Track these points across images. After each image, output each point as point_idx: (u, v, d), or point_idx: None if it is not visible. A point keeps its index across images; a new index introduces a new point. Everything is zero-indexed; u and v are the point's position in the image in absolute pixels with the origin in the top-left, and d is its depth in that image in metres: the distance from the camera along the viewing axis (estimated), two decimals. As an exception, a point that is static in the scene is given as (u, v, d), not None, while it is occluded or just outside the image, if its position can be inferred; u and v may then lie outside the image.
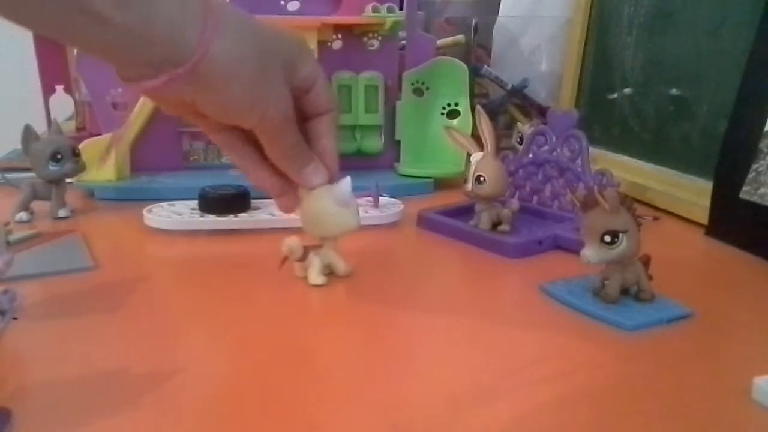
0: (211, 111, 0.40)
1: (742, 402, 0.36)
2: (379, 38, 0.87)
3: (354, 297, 0.52)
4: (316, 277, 0.52)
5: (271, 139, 0.43)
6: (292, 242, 0.52)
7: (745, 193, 0.60)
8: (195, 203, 0.68)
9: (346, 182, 0.48)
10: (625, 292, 0.48)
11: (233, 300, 0.50)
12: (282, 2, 0.83)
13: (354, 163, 0.80)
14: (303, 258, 0.52)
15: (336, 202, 0.49)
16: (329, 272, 0.54)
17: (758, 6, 0.64)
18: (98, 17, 0.31)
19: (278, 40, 0.41)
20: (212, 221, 0.66)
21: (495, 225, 0.63)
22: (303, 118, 0.46)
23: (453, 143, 0.66)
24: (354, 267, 0.55)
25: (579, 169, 0.66)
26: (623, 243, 0.45)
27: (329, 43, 0.86)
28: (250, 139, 0.44)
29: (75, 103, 1.03)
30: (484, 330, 0.46)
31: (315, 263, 0.52)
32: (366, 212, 0.68)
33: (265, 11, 0.79)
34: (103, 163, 0.78)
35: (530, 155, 0.71)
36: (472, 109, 0.82)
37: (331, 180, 0.48)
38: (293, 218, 0.68)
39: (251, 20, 0.39)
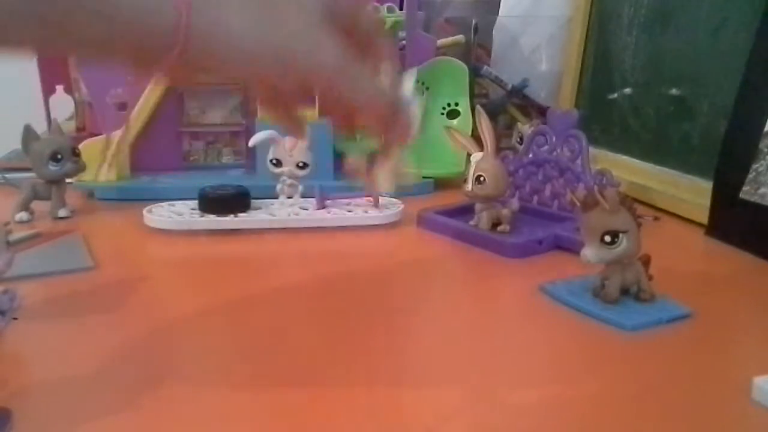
0: (240, 78, 0.36)
1: (742, 402, 0.36)
2: (379, 38, 0.87)
3: (354, 297, 0.52)
4: (386, 180, 0.42)
5: (337, 96, 0.36)
6: (354, 152, 0.44)
7: (745, 193, 0.60)
8: (195, 203, 0.68)
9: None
10: (625, 292, 0.48)
11: (233, 300, 0.50)
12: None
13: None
14: (371, 165, 0.43)
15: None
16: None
17: (758, 6, 0.64)
18: (98, 15, 0.31)
19: None
20: (212, 221, 0.66)
21: (495, 225, 0.63)
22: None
23: (453, 143, 0.66)
24: (353, 266, 0.55)
25: (579, 169, 0.66)
26: (623, 243, 0.45)
27: (329, 43, 0.85)
28: None
29: (75, 103, 1.03)
30: (484, 330, 0.46)
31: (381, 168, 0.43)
32: (366, 212, 0.68)
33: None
34: (104, 166, 0.78)
35: (530, 155, 0.71)
36: (472, 109, 0.82)
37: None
38: (293, 219, 0.68)
39: None
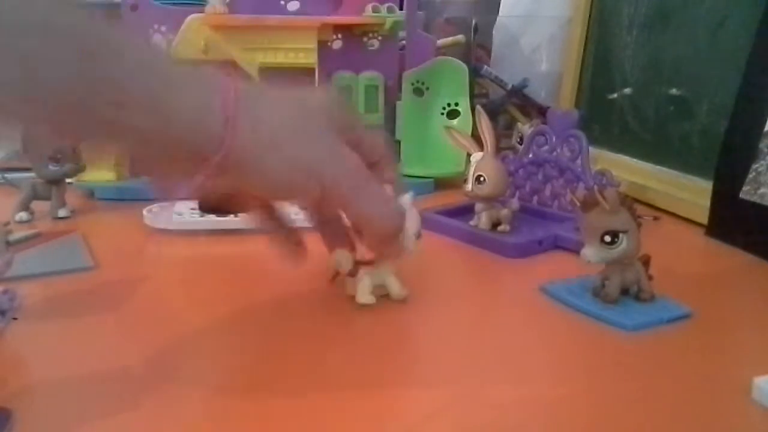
0: (263, 193, 0.36)
1: (742, 402, 0.36)
2: (379, 38, 0.87)
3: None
4: (362, 295, 0.47)
5: (347, 206, 0.37)
6: (341, 255, 0.46)
7: (745, 193, 0.60)
8: (195, 203, 0.68)
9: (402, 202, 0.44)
10: (625, 292, 0.48)
11: (233, 300, 0.50)
12: (282, 2, 0.83)
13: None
14: (353, 273, 0.47)
15: None
16: (383, 294, 0.48)
17: (758, 6, 0.64)
18: (111, 123, 0.30)
19: (308, 95, 0.37)
20: (212, 221, 0.66)
21: (495, 225, 0.63)
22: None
23: (453, 143, 0.66)
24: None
25: (579, 169, 0.66)
26: (623, 243, 0.45)
27: (329, 43, 0.86)
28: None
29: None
30: (484, 330, 0.46)
31: (365, 281, 0.47)
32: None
33: (265, 11, 0.79)
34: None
35: (530, 155, 0.71)
36: (472, 109, 0.82)
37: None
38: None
39: (272, 90, 0.36)
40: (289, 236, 0.44)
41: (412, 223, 0.43)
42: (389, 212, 0.39)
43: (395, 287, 0.49)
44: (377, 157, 0.40)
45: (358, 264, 0.47)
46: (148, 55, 0.32)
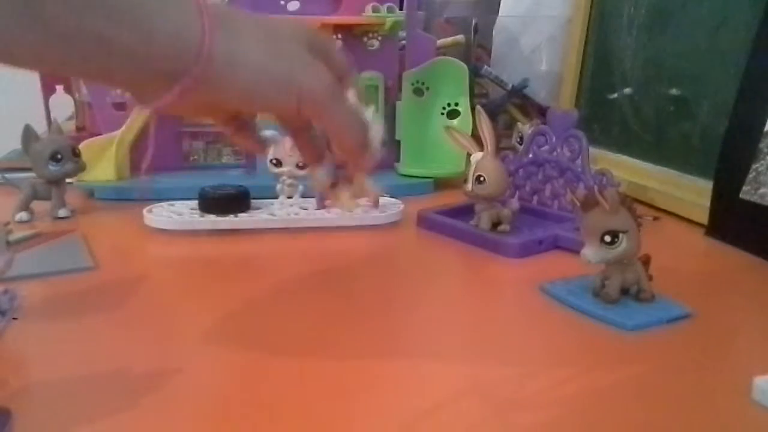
0: (241, 105, 0.39)
1: (742, 402, 0.36)
2: (379, 38, 0.87)
3: (354, 297, 0.52)
4: (346, 201, 0.48)
5: (321, 115, 0.40)
6: (320, 173, 0.48)
7: (745, 193, 0.60)
8: (195, 203, 0.68)
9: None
10: (625, 292, 0.48)
11: (233, 299, 0.50)
12: (282, 2, 0.83)
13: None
14: (335, 185, 0.48)
15: None
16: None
17: (758, 6, 0.64)
18: (100, 40, 0.31)
19: (278, 20, 0.40)
20: (212, 221, 0.66)
21: (495, 225, 0.63)
22: None
23: (453, 143, 0.66)
24: (354, 266, 0.55)
25: (579, 169, 0.66)
26: (623, 243, 0.45)
27: (329, 43, 0.86)
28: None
29: (75, 103, 1.03)
30: (484, 330, 0.46)
31: (346, 190, 0.48)
32: (366, 212, 0.68)
33: (265, 11, 0.79)
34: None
35: (530, 155, 0.71)
36: (472, 109, 0.82)
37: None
38: (293, 218, 0.68)
39: (245, 12, 0.39)
40: (255, 141, 0.46)
41: (376, 133, 0.45)
42: (358, 123, 0.42)
43: (373, 192, 0.50)
44: (342, 72, 0.42)
45: (337, 175, 0.48)
46: None
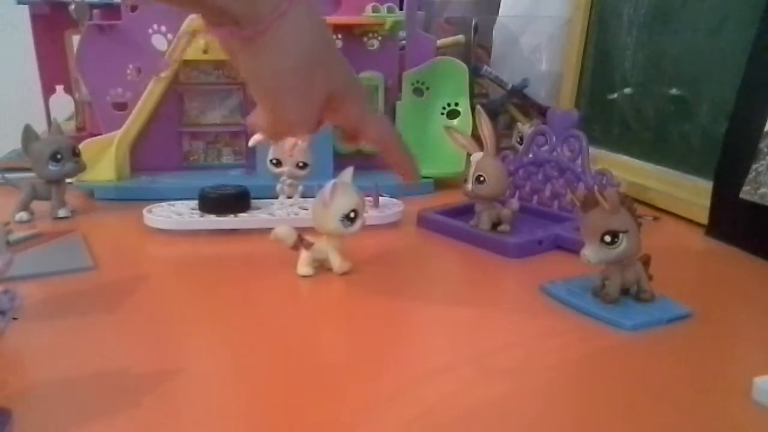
0: (278, 78, 0.40)
1: (742, 402, 0.36)
2: (379, 38, 0.87)
3: (354, 297, 0.52)
4: (301, 267, 0.54)
5: (351, 107, 0.43)
6: (281, 230, 0.53)
7: (745, 193, 0.60)
8: (195, 203, 0.68)
9: (329, 185, 0.51)
10: (625, 292, 0.48)
11: (233, 299, 0.50)
12: (282, 2, 0.83)
13: (354, 163, 0.80)
14: (295, 248, 0.54)
15: (320, 200, 0.52)
16: (328, 268, 0.55)
17: (758, 6, 0.64)
18: None
19: (332, 41, 0.44)
20: (212, 221, 0.66)
21: (495, 225, 0.63)
22: None
23: (453, 143, 0.66)
24: (354, 266, 0.55)
25: (579, 169, 0.66)
26: (623, 243, 0.45)
27: (329, 43, 0.86)
28: None
29: (75, 103, 1.03)
30: (484, 329, 0.46)
31: (303, 255, 0.54)
32: (366, 212, 0.68)
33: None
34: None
35: (530, 155, 0.71)
36: (472, 109, 0.82)
37: None
38: (293, 218, 0.68)
39: (318, 10, 0.41)
40: None
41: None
42: (382, 117, 0.46)
43: (336, 262, 0.55)
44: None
45: (301, 238, 0.54)
46: None
